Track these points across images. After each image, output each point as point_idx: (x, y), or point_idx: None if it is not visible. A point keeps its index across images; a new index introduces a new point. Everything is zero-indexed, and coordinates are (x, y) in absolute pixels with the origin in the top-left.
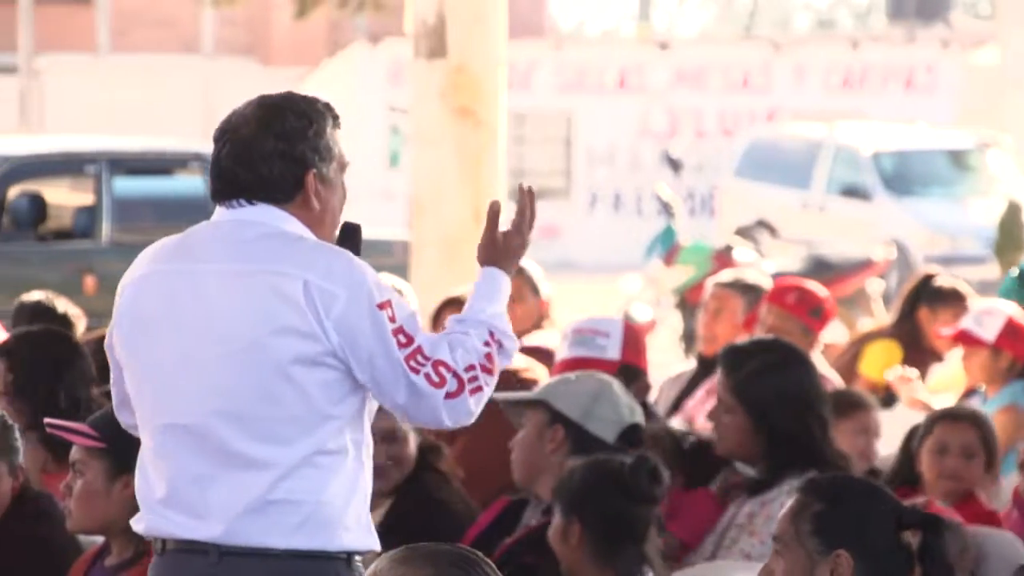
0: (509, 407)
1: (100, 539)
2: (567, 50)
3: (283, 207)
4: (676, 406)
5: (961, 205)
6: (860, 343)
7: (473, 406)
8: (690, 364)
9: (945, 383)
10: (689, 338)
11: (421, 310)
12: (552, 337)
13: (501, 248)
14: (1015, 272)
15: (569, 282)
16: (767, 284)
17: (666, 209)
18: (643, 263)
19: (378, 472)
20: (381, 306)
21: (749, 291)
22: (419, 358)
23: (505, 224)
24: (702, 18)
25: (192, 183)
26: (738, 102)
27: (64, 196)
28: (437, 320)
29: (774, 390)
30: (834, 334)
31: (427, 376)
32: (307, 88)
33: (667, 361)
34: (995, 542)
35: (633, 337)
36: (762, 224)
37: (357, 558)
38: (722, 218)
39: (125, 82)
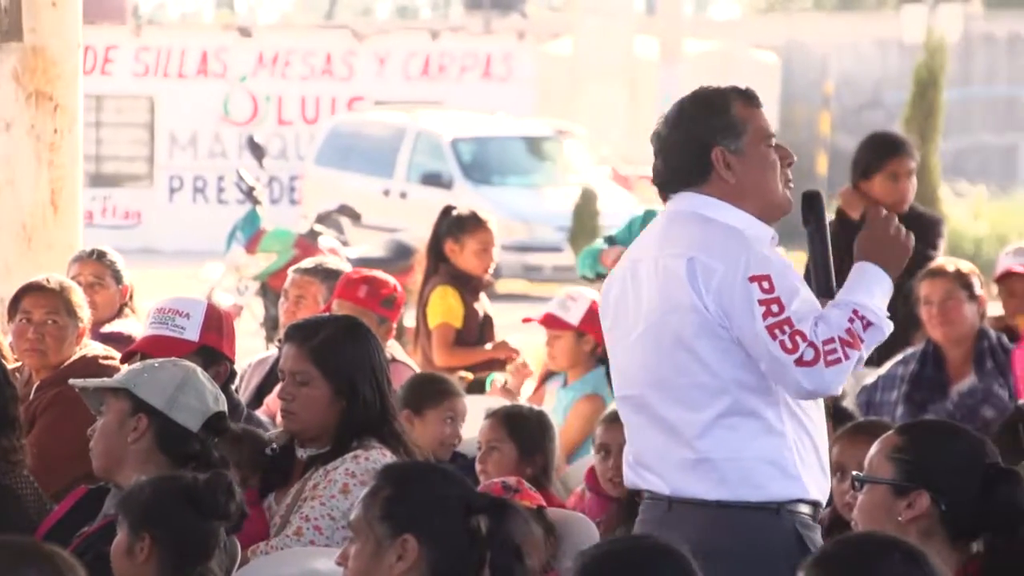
0: (89, 394)
1: None
2: (147, 35)
3: (701, 190)
4: (261, 390)
5: (538, 193)
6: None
7: (831, 377)
8: (273, 351)
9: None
10: (271, 324)
11: None
12: (133, 324)
13: (879, 244)
14: (594, 246)
15: (151, 269)
16: (348, 270)
17: (250, 194)
18: (225, 250)
19: None
20: (754, 278)
21: (330, 277)
22: (784, 327)
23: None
24: (283, 5)
25: None
26: (320, 89)
27: None
28: (14, 308)
29: (351, 357)
30: None
31: (782, 343)
32: None
33: (251, 347)
34: (570, 525)
35: (216, 320)
36: (344, 210)
37: (800, 508)
38: (305, 205)
39: None
